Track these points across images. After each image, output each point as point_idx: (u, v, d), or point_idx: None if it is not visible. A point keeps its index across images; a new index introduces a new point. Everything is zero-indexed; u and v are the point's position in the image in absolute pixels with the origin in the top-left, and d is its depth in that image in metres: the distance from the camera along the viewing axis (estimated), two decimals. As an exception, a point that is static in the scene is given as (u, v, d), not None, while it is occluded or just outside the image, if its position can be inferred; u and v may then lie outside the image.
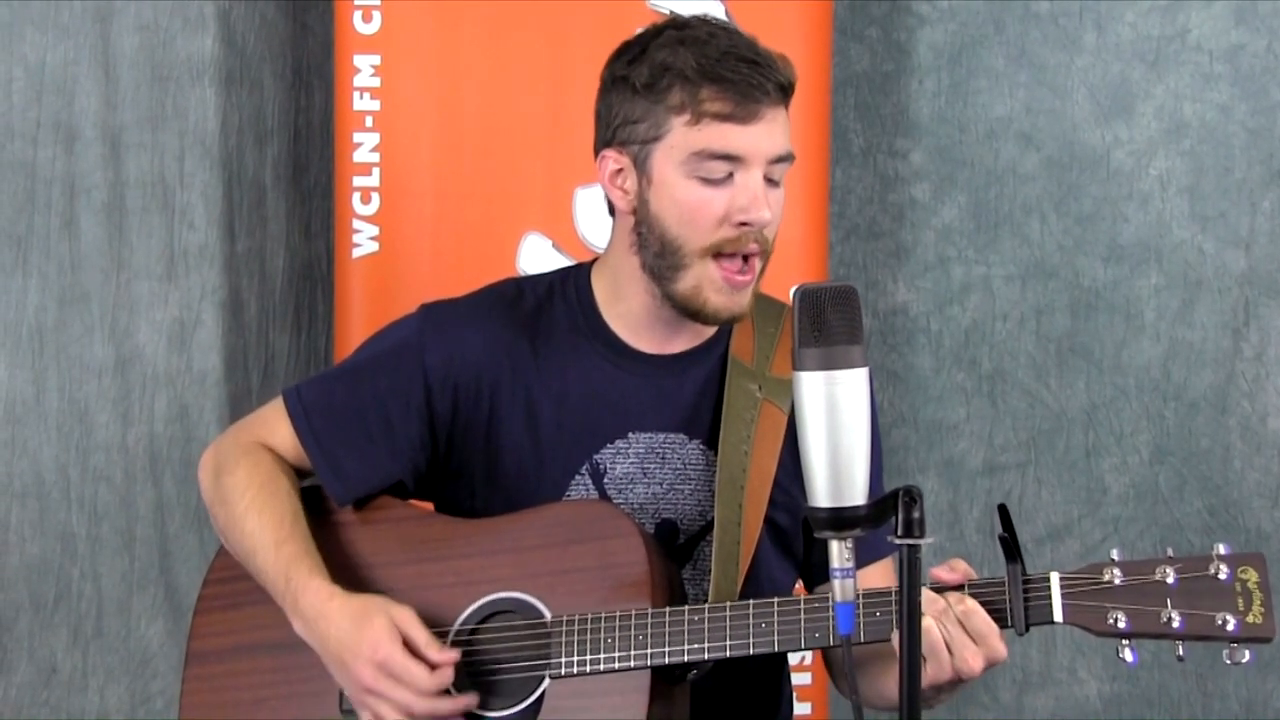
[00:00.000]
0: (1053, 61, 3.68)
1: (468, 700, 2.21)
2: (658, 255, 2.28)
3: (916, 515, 1.77)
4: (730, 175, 2.23)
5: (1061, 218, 3.69)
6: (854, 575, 1.82)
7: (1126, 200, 3.68)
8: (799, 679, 3.21)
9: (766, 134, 2.23)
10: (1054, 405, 3.71)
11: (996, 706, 3.71)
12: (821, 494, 1.80)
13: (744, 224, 2.24)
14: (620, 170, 2.30)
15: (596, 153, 2.33)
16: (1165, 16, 3.65)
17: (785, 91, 2.25)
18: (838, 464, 1.78)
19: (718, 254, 2.25)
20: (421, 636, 2.20)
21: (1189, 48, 3.65)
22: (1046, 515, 3.70)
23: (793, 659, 3.13)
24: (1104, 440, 3.69)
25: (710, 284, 2.25)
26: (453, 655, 2.20)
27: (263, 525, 2.31)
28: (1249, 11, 3.63)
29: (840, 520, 1.80)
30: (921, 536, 1.77)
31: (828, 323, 1.79)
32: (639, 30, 2.34)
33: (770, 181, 2.26)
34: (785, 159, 2.27)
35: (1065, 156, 3.68)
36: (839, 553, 1.82)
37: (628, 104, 2.27)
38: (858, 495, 1.79)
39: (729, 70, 2.21)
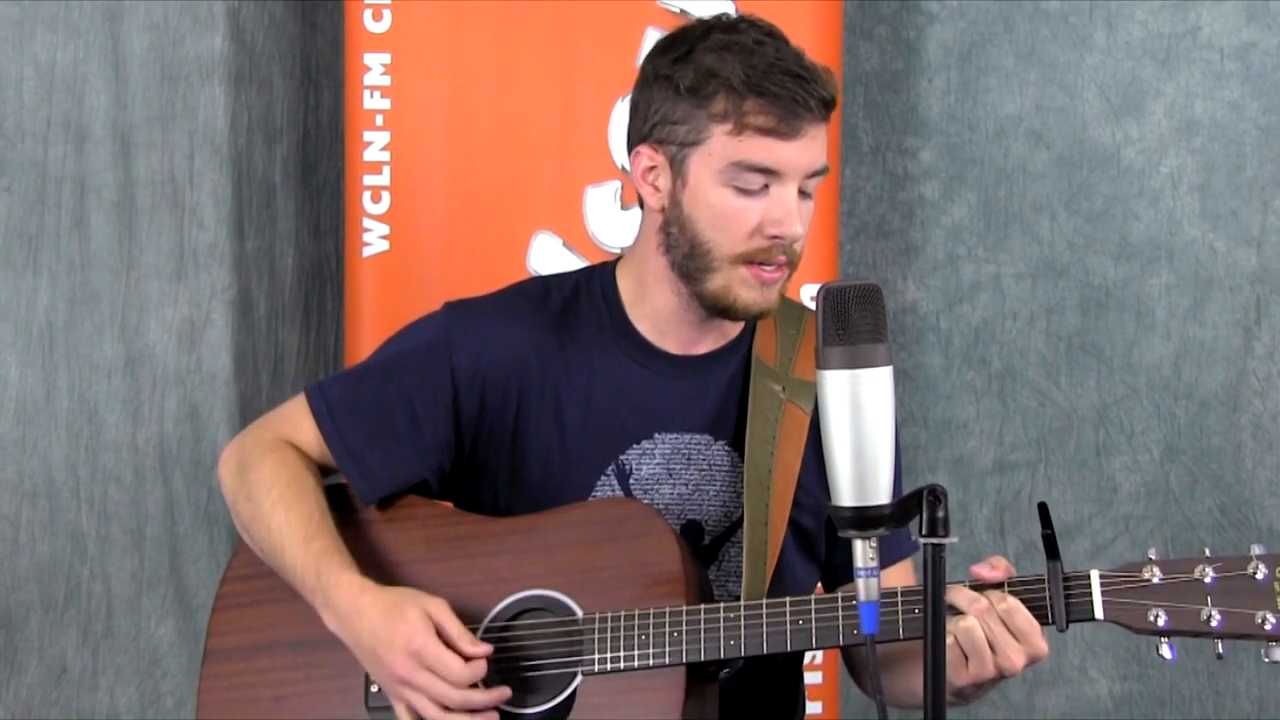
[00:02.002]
0: (1063, 59, 3.67)
1: (501, 693, 2.20)
2: (687, 257, 2.28)
3: (941, 514, 1.77)
4: (766, 187, 2.24)
5: (1072, 216, 3.69)
6: (878, 574, 1.83)
7: (1137, 198, 3.67)
8: (810, 678, 3.20)
9: (805, 150, 2.23)
10: (1064, 404, 3.70)
11: (1007, 705, 3.70)
12: (845, 493, 1.80)
13: (775, 237, 2.24)
14: (654, 168, 2.30)
15: (630, 146, 2.33)
16: (1176, 14, 3.64)
17: (828, 106, 2.25)
18: (862, 463, 1.79)
19: (747, 262, 2.26)
20: (455, 628, 2.20)
21: (1200, 45, 3.65)
22: (1057, 514, 3.63)
23: (804, 657, 3.14)
24: (1115, 439, 3.69)
25: (740, 281, 2.26)
26: (486, 648, 2.19)
27: (290, 521, 2.30)
28: (1260, 9, 3.63)
29: (864, 519, 1.80)
30: (946, 535, 1.78)
31: (852, 321, 1.79)
32: (684, 25, 2.33)
33: (804, 194, 2.26)
34: (821, 173, 2.27)
35: (1075, 155, 3.68)
36: (863, 552, 1.82)
37: (669, 103, 2.26)
38: (882, 494, 1.80)
39: (775, 84, 2.20)
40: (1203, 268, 3.66)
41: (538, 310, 2.37)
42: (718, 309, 2.29)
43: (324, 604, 2.25)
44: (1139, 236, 3.68)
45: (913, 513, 1.79)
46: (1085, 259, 3.69)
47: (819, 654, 3.32)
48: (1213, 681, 3.66)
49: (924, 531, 1.78)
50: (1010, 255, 3.70)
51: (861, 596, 1.83)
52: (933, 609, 1.78)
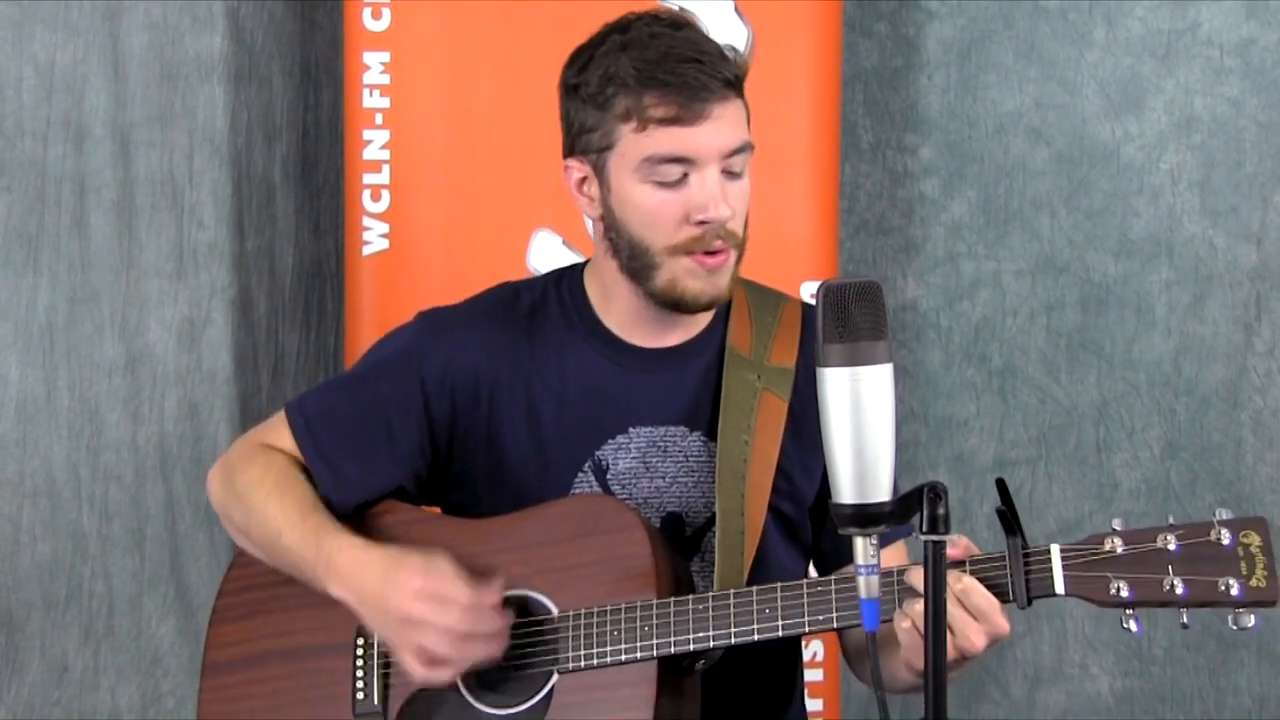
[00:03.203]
0: (1062, 56, 3.67)
1: (507, 618, 2.20)
2: (630, 258, 2.29)
3: (941, 511, 1.77)
4: (685, 176, 2.23)
5: (1071, 213, 3.69)
6: (878, 572, 1.83)
7: (1137, 195, 3.67)
8: (810, 675, 3.21)
9: (715, 132, 2.22)
10: (1065, 401, 3.71)
11: (1008, 702, 3.70)
12: (846, 490, 1.80)
13: (703, 222, 2.23)
14: (584, 179, 2.31)
15: (564, 160, 2.34)
16: (1175, 11, 3.64)
17: (732, 85, 2.24)
18: (863, 460, 1.79)
19: (686, 252, 2.25)
20: (459, 573, 2.20)
21: (1199, 42, 3.65)
22: (1058, 510, 3.70)
23: (805, 655, 3.14)
24: (1115, 435, 3.69)
25: (685, 272, 2.26)
26: (495, 591, 2.20)
27: (285, 506, 2.31)
28: (1259, 6, 3.63)
29: (865, 516, 1.80)
30: (946, 532, 1.78)
31: (852, 319, 1.79)
32: (594, 34, 2.32)
33: (731, 174, 2.25)
34: (742, 150, 2.26)
35: (1075, 151, 3.68)
36: (864, 549, 1.82)
37: (581, 113, 2.28)
38: (882, 491, 1.79)
39: (668, 74, 2.20)
40: (1203, 264, 3.66)
41: (508, 313, 2.38)
42: (670, 304, 2.29)
43: (328, 570, 2.26)
44: (1139, 233, 3.68)
45: (913, 510, 1.78)
46: (1085, 256, 3.69)
47: (819, 651, 3.32)
48: (1214, 678, 3.67)
49: (925, 529, 1.78)
50: (1010, 252, 3.70)
51: (862, 594, 1.82)
52: (934, 607, 1.77)
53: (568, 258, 3.26)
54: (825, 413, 1.80)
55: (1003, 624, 2.09)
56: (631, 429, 2.35)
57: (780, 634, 2.17)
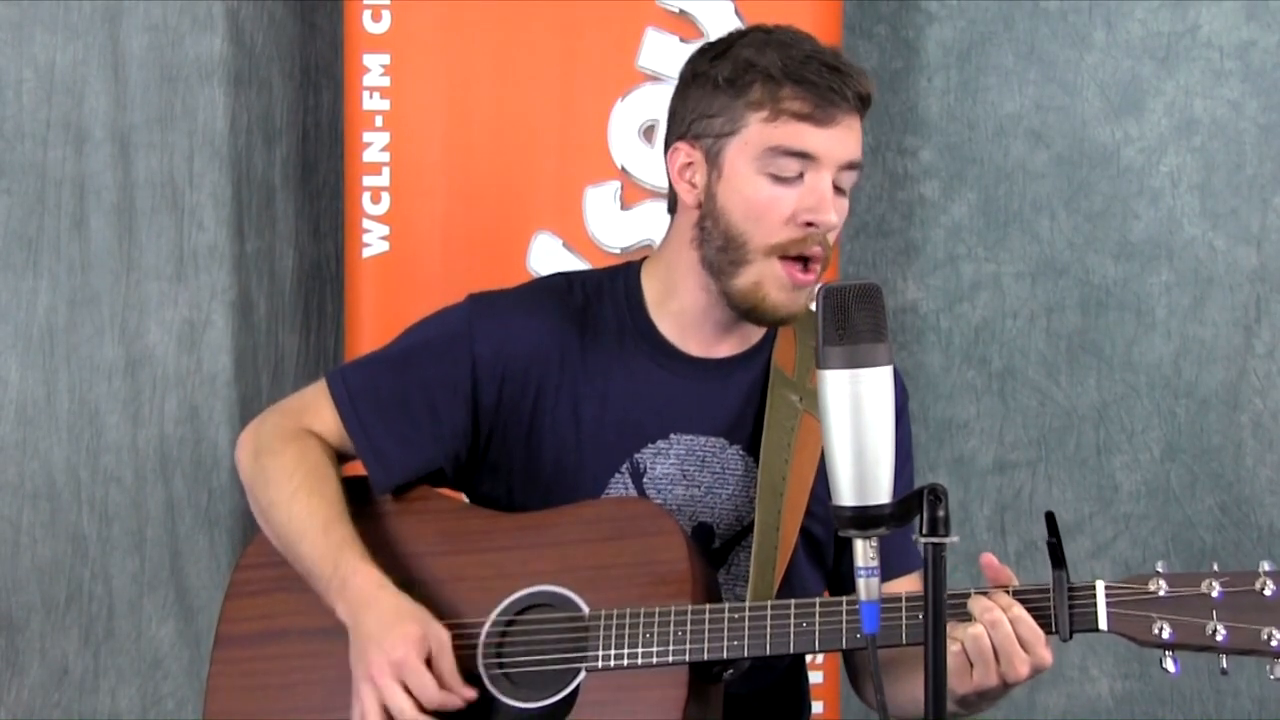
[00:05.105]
0: (1062, 58, 3.67)
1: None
2: (720, 250, 2.29)
3: (941, 514, 1.77)
4: (801, 175, 2.25)
5: (1071, 215, 3.69)
6: (878, 574, 1.82)
7: (1137, 197, 3.67)
8: (811, 677, 3.20)
9: (841, 139, 2.26)
10: (1064, 403, 3.70)
11: (1008, 705, 3.64)
12: (846, 493, 1.80)
13: (810, 225, 2.25)
14: (690, 164, 2.32)
15: (667, 146, 2.35)
16: (1175, 13, 3.64)
17: (863, 103, 2.29)
18: (862, 463, 1.79)
19: (782, 255, 2.26)
20: (448, 665, 2.21)
21: (1199, 44, 3.65)
22: (1057, 513, 3.66)
23: (806, 657, 3.14)
24: (1115, 438, 3.69)
25: (773, 280, 2.27)
26: (467, 693, 2.21)
27: (311, 510, 2.31)
28: (1259, 8, 3.63)
29: (864, 519, 1.80)
30: (946, 535, 1.77)
31: (852, 321, 1.79)
32: (722, 34, 2.38)
33: (838, 189, 2.28)
34: (855, 167, 2.30)
35: (1075, 154, 3.68)
36: (864, 552, 1.82)
37: (706, 98, 2.29)
38: (882, 494, 1.80)
39: (812, 73, 2.24)
40: (1203, 266, 3.66)
41: (560, 305, 2.38)
42: (745, 307, 2.30)
43: (339, 591, 2.26)
44: (1139, 235, 3.68)
45: (913, 512, 1.78)
46: (1085, 258, 3.69)
47: (820, 654, 3.32)
48: (1213, 680, 3.66)
49: (924, 531, 1.78)
50: (1010, 254, 3.70)
51: (862, 596, 1.82)
52: (934, 609, 1.77)
53: (568, 260, 3.26)
54: (825, 415, 1.81)
55: (1046, 656, 2.11)
56: (672, 435, 2.35)
57: (817, 648, 2.18)
